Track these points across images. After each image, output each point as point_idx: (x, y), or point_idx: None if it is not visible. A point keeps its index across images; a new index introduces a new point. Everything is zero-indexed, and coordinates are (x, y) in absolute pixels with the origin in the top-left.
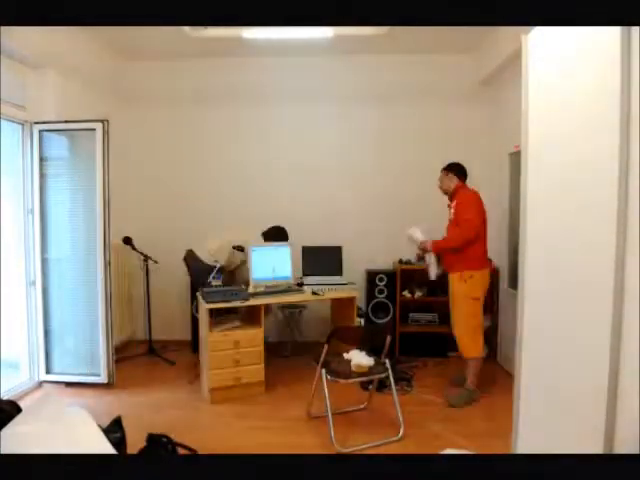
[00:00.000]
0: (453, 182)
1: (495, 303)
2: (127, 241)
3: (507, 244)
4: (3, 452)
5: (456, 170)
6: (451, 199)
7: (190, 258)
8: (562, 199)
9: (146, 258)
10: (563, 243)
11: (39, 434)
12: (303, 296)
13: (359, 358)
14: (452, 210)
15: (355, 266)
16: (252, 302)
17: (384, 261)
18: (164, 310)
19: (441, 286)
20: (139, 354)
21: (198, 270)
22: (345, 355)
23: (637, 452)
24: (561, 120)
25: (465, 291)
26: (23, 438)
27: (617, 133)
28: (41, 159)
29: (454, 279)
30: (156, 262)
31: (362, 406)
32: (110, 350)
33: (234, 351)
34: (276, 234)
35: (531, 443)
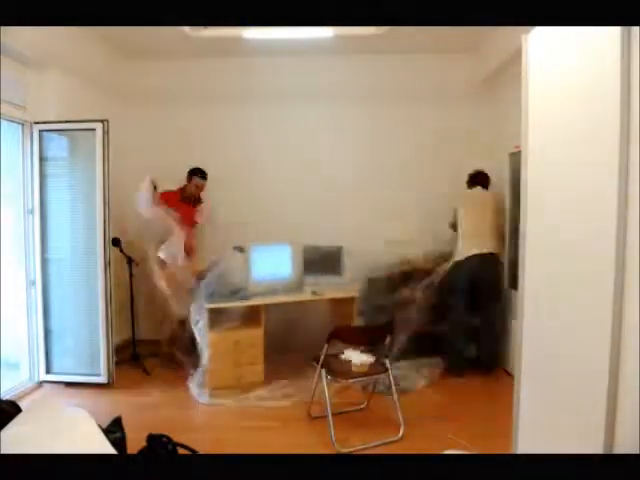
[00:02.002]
0: None
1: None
2: (115, 242)
3: (507, 244)
4: (3, 452)
5: None
6: None
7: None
8: (562, 199)
9: (129, 261)
10: (563, 243)
11: (39, 434)
12: (303, 296)
13: (359, 358)
14: None
15: (355, 266)
16: (252, 302)
17: (384, 261)
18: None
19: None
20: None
21: None
22: (345, 355)
23: (637, 452)
24: (561, 120)
25: None
26: (23, 438)
27: (617, 132)
28: (41, 159)
29: None
30: (137, 264)
31: (362, 406)
32: (110, 350)
33: (234, 351)
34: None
35: (531, 443)
